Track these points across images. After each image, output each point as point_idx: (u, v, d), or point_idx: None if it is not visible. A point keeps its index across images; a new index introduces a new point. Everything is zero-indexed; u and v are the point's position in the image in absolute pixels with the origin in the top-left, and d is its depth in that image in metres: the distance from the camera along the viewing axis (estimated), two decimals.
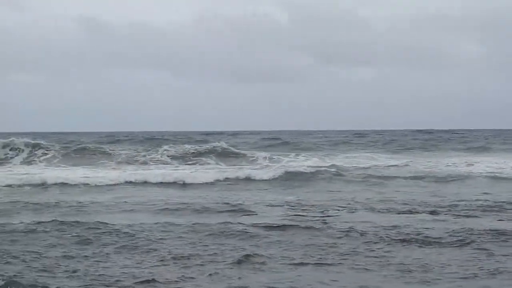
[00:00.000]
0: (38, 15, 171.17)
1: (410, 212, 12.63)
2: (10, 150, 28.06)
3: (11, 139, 28.76)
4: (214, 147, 29.74)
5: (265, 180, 19.89)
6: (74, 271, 7.36)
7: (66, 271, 7.37)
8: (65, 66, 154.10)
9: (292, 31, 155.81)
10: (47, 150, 28.01)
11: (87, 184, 18.66)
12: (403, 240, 9.20)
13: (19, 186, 18.27)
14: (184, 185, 18.91)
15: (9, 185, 18.23)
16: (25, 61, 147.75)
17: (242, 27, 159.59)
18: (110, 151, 28.99)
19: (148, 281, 6.91)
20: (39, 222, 10.77)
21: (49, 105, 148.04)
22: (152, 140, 46.33)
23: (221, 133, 73.55)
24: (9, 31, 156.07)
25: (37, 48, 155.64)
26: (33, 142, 28.87)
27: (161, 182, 19.17)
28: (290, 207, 13.65)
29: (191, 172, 21.35)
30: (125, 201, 14.59)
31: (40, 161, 26.56)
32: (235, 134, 70.52)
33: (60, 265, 7.66)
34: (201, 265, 7.73)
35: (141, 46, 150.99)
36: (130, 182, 19.13)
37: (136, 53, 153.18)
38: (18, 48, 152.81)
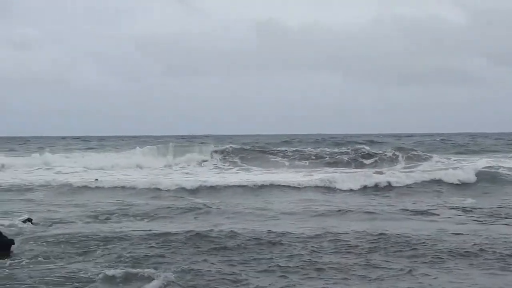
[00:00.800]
0: (214, 20, 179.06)
1: None
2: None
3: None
4: (389, 149, 30.15)
5: (452, 183, 19.76)
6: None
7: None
8: (240, 70, 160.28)
9: (468, 33, 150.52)
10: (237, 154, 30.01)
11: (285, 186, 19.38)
12: None
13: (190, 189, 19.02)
14: (365, 188, 19.19)
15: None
16: (201, 65, 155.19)
17: (418, 29, 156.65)
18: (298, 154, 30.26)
19: None
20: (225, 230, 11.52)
21: (216, 108, 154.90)
22: (321, 142, 47.46)
23: (386, 135, 73.03)
24: (186, 36, 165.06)
25: (213, 52, 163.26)
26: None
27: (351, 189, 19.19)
28: (471, 208, 14.10)
29: (373, 173, 21.90)
30: (314, 205, 15.22)
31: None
32: (409, 135, 69.44)
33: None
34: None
35: (313, 48, 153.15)
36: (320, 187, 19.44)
37: (309, 55, 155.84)
38: (193, 53, 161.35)
